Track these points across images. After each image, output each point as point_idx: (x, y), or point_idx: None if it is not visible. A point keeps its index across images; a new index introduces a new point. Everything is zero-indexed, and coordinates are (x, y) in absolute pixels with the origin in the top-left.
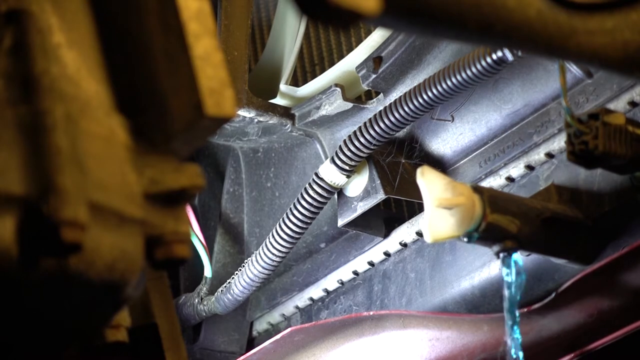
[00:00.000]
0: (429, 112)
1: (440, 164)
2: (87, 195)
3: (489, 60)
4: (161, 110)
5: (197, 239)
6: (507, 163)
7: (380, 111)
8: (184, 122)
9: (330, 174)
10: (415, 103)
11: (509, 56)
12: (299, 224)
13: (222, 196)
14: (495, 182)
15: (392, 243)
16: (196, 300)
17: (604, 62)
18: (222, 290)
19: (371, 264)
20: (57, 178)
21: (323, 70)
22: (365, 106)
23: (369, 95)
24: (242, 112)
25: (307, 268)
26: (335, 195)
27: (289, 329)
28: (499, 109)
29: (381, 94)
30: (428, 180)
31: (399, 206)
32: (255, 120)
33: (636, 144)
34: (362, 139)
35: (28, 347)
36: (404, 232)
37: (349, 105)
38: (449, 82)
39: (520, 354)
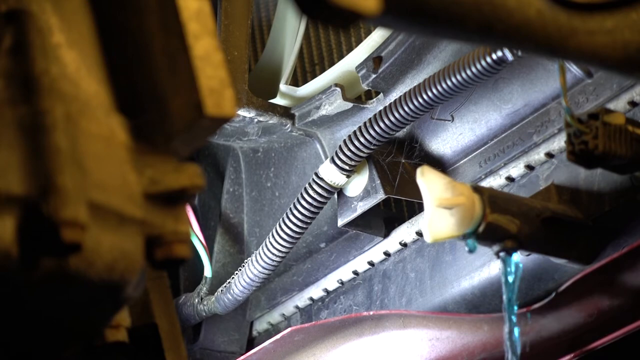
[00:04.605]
0: (429, 112)
1: (440, 164)
2: (87, 195)
3: (488, 60)
4: (161, 110)
5: (197, 239)
6: (507, 163)
7: (380, 111)
8: (184, 122)
9: (330, 173)
10: (415, 103)
11: (509, 56)
12: (299, 224)
13: (222, 196)
14: (495, 182)
15: (392, 243)
16: (196, 300)
17: (604, 62)
18: (222, 290)
19: (371, 263)
20: (57, 178)
21: (323, 70)
22: (365, 106)
23: (369, 95)
24: (242, 112)
25: (307, 268)
26: (335, 195)
27: (289, 329)
28: (499, 108)
29: (381, 94)
30: (428, 180)
31: (399, 206)
32: (255, 120)
33: (636, 144)
34: (362, 139)
35: (28, 347)
36: (404, 232)
37: (349, 105)
38: (449, 82)
39: (519, 354)
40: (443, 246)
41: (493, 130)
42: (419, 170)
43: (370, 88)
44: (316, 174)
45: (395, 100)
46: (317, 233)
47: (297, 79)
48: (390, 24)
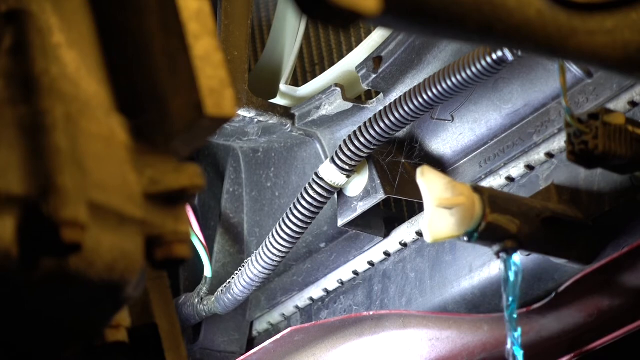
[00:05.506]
0: (429, 112)
1: (440, 164)
2: (87, 195)
3: (489, 60)
4: (161, 110)
5: (197, 239)
6: (507, 163)
7: (380, 111)
8: (184, 122)
9: (330, 173)
10: (416, 103)
11: (509, 56)
12: (299, 224)
13: (222, 196)
14: (495, 182)
15: (392, 243)
16: (196, 300)
17: (604, 62)
18: (222, 290)
19: (371, 263)
20: (57, 178)
21: (323, 70)
22: (365, 106)
23: (369, 95)
24: (242, 112)
25: (307, 268)
26: (335, 195)
27: (289, 329)
28: (499, 108)
29: (381, 94)
30: (428, 180)
31: (399, 206)
32: (255, 120)
33: (636, 144)
34: (362, 139)
35: (28, 347)
36: (404, 232)
37: (349, 105)
38: (449, 82)
39: (520, 354)
40: (443, 246)
41: (493, 130)
42: (419, 170)
43: (370, 88)
44: (316, 174)
45: (395, 100)
46: (317, 233)
47: (297, 79)
48: (390, 24)
